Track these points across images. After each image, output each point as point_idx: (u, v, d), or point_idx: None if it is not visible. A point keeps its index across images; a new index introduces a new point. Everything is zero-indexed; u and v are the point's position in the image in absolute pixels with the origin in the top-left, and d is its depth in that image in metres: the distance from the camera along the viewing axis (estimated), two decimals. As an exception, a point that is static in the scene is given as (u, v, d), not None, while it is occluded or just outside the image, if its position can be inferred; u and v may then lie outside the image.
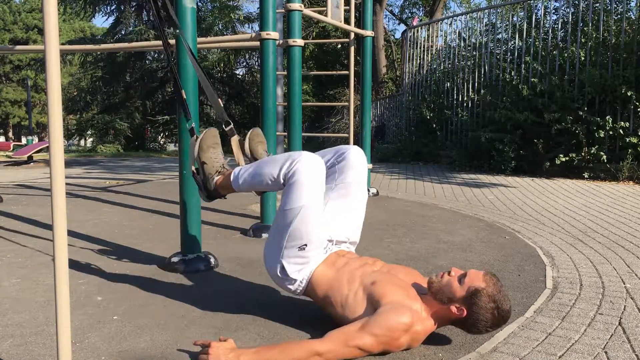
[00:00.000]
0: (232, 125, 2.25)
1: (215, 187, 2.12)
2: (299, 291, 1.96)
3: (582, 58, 7.65)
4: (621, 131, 6.97)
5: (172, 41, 2.94)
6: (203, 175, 2.15)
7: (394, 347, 1.72)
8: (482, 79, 9.30)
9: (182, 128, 2.78)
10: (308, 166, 1.85)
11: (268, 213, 3.69)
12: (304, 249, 1.88)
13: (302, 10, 4.07)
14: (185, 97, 2.37)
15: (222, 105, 2.29)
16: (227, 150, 2.33)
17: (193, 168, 2.20)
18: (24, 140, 19.48)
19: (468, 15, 10.90)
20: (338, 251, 2.05)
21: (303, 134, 4.67)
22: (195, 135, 2.21)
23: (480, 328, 1.75)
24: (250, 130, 2.27)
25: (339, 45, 17.72)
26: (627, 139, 6.89)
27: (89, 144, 21.50)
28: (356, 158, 2.13)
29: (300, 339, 1.84)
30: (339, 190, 2.11)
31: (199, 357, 1.65)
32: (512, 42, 9.04)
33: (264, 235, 3.55)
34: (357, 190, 2.15)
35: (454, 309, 1.74)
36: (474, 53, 9.70)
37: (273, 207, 3.72)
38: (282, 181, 1.91)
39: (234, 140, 2.24)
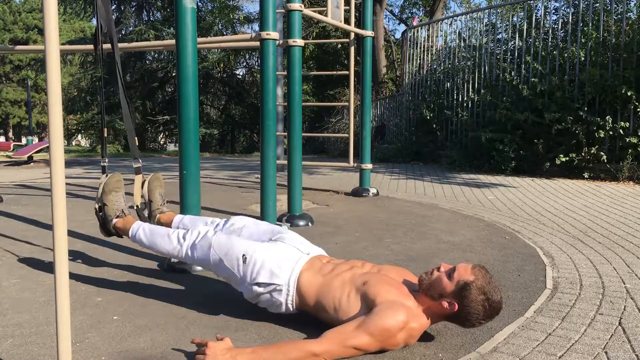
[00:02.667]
0: (140, 165, 2.56)
1: (115, 228, 2.41)
2: (290, 302, 1.95)
3: (582, 58, 7.65)
4: (621, 131, 6.97)
5: (172, 41, 2.94)
6: (104, 215, 2.42)
7: (390, 346, 1.72)
8: (482, 79, 9.30)
9: (182, 128, 2.78)
10: (196, 240, 2.11)
11: (268, 213, 3.68)
12: (246, 258, 1.99)
13: (302, 10, 4.08)
14: (106, 135, 2.64)
15: (137, 144, 2.63)
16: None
17: (96, 206, 2.44)
18: (24, 140, 19.49)
19: (468, 16, 10.89)
20: (320, 256, 2.07)
21: (303, 134, 4.67)
22: (105, 174, 2.46)
23: (474, 321, 1.76)
24: (151, 175, 2.58)
25: (339, 45, 17.71)
26: (627, 139, 6.88)
27: (83, 143, 21.50)
28: (235, 217, 2.40)
29: (299, 339, 1.84)
30: (241, 234, 2.30)
31: (196, 357, 1.65)
32: (512, 42, 9.03)
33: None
34: (252, 222, 2.37)
35: (445, 304, 1.76)
36: (474, 53, 9.70)
37: (273, 207, 3.72)
38: (176, 257, 2.19)
39: (137, 179, 2.55)
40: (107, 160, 2.57)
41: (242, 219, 2.39)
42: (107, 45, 2.67)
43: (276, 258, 1.98)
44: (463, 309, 1.74)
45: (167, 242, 2.19)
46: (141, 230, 2.30)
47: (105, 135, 2.65)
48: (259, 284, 1.95)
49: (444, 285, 1.76)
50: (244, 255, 1.99)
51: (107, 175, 2.44)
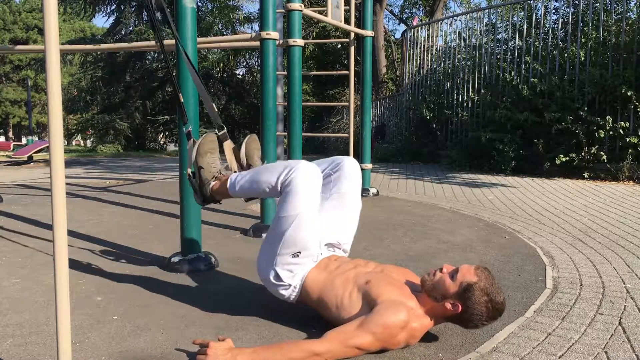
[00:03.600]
0: (225, 130, 2.25)
1: (211, 192, 2.15)
2: (292, 297, 1.97)
3: (582, 58, 7.65)
4: (621, 131, 6.97)
5: (172, 41, 2.94)
6: (199, 180, 2.16)
7: (392, 345, 1.72)
8: (482, 79, 9.30)
9: (182, 128, 2.78)
10: (305, 175, 1.88)
11: (268, 213, 3.69)
12: (297, 256, 1.91)
13: (302, 10, 4.07)
14: (182, 101, 2.37)
15: (217, 111, 2.29)
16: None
17: (189, 171, 2.19)
18: (24, 140, 19.50)
19: (468, 15, 10.89)
20: (330, 256, 2.07)
21: (303, 134, 4.67)
22: (192, 139, 2.22)
23: (476, 322, 1.76)
24: (248, 136, 2.27)
25: (339, 45, 17.71)
26: (627, 139, 6.88)
27: (88, 144, 21.52)
28: (351, 169, 2.16)
29: (300, 339, 1.84)
30: (334, 201, 2.15)
31: (197, 357, 1.65)
32: (512, 42, 9.03)
33: (264, 235, 3.54)
34: (351, 201, 2.17)
35: (448, 305, 1.75)
36: (474, 53, 9.70)
37: (273, 207, 3.72)
38: (279, 188, 1.93)
39: (227, 145, 2.24)
40: (190, 126, 2.31)
41: (347, 181, 2.14)
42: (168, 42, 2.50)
43: (310, 265, 1.96)
44: (466, 310, 1.74)
45: (269, 172, 1.96)
46: (240, 176, 2.08)
47: (182, 99, 2.40)
48: (278, 276, 1.95)
49: (447, 287, 1.76)
50: (300, 252, 1.91)
51: (199, 138, 2.21)
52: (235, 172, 2.19)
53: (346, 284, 1.87)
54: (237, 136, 21.32)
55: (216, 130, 2.24)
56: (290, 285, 1.95)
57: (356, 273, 1.90)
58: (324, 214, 2.07)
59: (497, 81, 8.83)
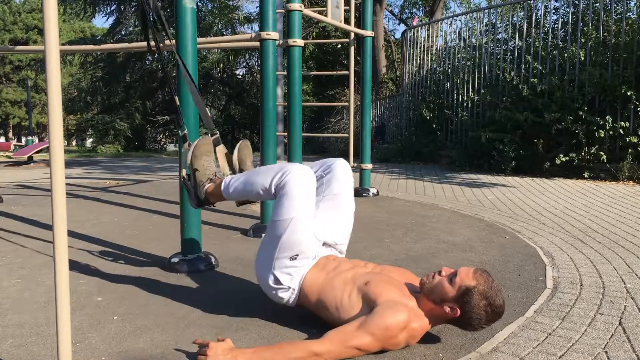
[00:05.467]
0: (217, 135, 2.29)
1: (206, 194, 2.16)
2: (292, 300, 1.96)
3: (582, 58, 7.65)
4: (621, 131, 6.97)
5: (172, 42, 2.94)
6: (194, 182, 2.18)
7: (392, 346, 1.72)
8: (482, 79, 9.30)
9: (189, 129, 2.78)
10: (299, 178, 1.89)
11: (268, 213, 3.68)
12: (295, 259, 1.91)
13: (302, 11, 4.07)
14: (178, 103, 2.43)
15: (210, 115, 2.35)
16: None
17: (184, 174, 2.21)
18: (24, 141, 19.49)
19: (468, 15, 10.89)
20: (327, 255, 2.06)
21: (303, 134, 4.67)
22: (187, 142, 2.25)
23: (476, 325, 1.76)
24: (240, 142, 2.31)
25: (339, 45, 17.71)
26: (627, 139, 6.88)
27: (88, 144, 21.51)
28: (342, 170, 2.18)
29: (300, 339, 1.84)
30: (327, 202, 2.15)
31: (197, 358, 1.65)
32: (512, 42, 9.03)
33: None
34: (344, 201, 2.18)
35: (447, 309, 1.75)
36: (474, 53, 9.70)
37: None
38: (273, 191, 1.94)
39: (220, 150, 2.27)
40: (186, 129, 2.35)
41: (339, 182, 2.15)
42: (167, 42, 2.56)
43: (309, 266, 1.96)
44: (465, 314, 1.73)
45: (263, 175, 1.97)
46: (234, 178, 2.09)
47: (178, 103, 2.45)
48: (277, 280, 1.94)
49: (445, 290, 1.75)
50: (297, 255, 1.91)
51: (196, 140, 2.23)
52: (228, 175, 2.20)
53: (345, 284, 1.86)
54: (237, 136, 21.32)
55: (209, 134, 2.27)
56: (289, 287, 1.94)
57: (355, 273, 1.90)
58: (318, 216, 2.07)
59: (497, 81, 8.82)
